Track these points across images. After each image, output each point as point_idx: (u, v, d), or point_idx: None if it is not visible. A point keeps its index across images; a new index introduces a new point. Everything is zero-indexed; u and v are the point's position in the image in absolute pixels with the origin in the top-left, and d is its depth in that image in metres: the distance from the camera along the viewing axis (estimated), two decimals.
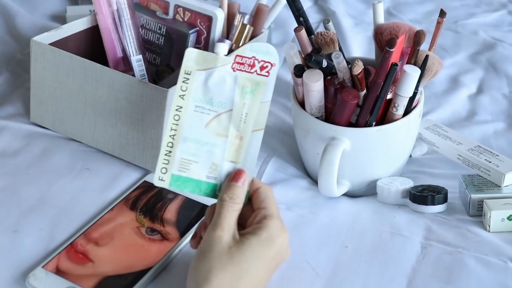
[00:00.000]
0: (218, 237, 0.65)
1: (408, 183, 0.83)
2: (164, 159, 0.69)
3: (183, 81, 0.69)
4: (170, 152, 0.69)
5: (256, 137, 0.69)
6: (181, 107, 0.69)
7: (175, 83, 0.82)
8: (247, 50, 0.69)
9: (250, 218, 0.68)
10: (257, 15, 0.96)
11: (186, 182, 0.69)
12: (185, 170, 0.69)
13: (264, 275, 0.66)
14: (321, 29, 1.10)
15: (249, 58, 0.69)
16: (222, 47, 0.70)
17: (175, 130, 0.68)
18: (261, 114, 0.69)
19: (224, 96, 0.69)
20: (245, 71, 0.69)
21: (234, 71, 0.69)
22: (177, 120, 0.68)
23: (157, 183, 0.69)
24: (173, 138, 0.68)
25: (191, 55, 0.70)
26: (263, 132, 0.69)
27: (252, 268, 0.64)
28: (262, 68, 0.69)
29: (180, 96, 0.69)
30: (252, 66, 0.69)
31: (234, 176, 0.69)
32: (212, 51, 0.93)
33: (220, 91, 0.69)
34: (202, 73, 0.69)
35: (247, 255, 0.64)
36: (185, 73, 0.70)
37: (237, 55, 0.69)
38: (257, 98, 0.69)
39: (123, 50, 0.93)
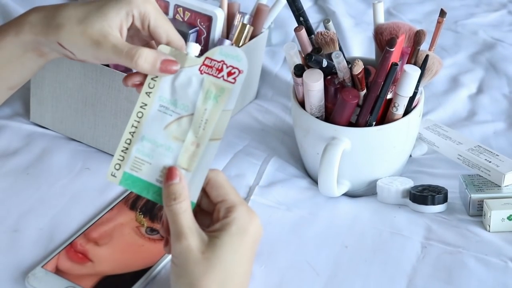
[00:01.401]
0: (186, 248, 0.61)
1: (408, 183, 0.83)
2: (120, 155, 0.66)
3: (152, 78, 0.66)
4: (127, 149, 0.66)
5: (212, 147, 0.65)
6: (145, 105, 0.66)
7: None
8: (216, 53, 0.66)
9: (214, 213, 0.65)
10: (257, 15, 0.96)
11: (136, 182, 0.66)
12: (137, 169, 0.66)
13: (246, 266, 0.64)
14: (321, 29, 1.10)
15: (218, 61, 0.66)
16: (194, 47, 0.67)
17: (136, 127, 0.66)
18: (221, 123, 0.65)
19: (188, 98, 0.66)
20: (212, 75, 0.66)
21: (201, 73, 0.66)
22: (139, 118, 0.66)
23: (109, 178, 0.66)
24: (132, 135, 0.66)
25: (164, 51, 0.68)
26: (220, 142, 0.65)
27: (233, 266, 0.62)
28: (229, 74, 0.66)
29: (146, 93, 0.66)
30: (220, 70, 0.66)
31: (166, 176, 0.64)
32: None
33: (185, 93, 0.66)
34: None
35: (224, 254, 0.62)
36: None
37: (206, 57, 0.66)
38: (220, 105, 0.65)
39: None
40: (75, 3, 0.71)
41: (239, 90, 0.65)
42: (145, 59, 0.66)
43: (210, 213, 0.66)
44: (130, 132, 0.66)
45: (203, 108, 0.65)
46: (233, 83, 0.65)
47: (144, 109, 0.66)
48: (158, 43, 0.70)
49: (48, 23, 0.70)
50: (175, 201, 0.63)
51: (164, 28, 0.69)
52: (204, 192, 0.66)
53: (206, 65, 0.66)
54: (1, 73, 0.74)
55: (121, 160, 0.66)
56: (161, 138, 0.66)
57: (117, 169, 0.66)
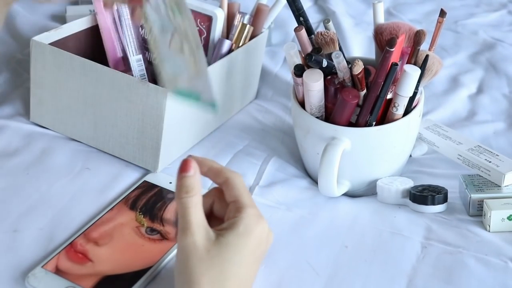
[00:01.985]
0: (192, 244, 0.61)
1: (408, 183, 0.83)
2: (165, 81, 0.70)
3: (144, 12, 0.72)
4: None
5: (201, 53, 0.71)
6: (150, 29, 0.72)
7: None
8: None
9: (226, 214, 0.66)
10: (257, 15, 0.96)
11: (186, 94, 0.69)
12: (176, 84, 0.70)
13: (249, 269, 0.64)
14: (321, 29, 1.10)
15: None
16: None
17: (154, 54, 0.72)
18: (195, 32, 0.72)
19: (165, 19, 0.71)
20: None
21: None
22: (153, 45, 0.72)
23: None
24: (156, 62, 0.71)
25: None
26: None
27: (234, 266, 0.62)
28: None
29: (147, 23, 0.73)
30: None
31: (182, 167, 0.64)
32: (212, 51, 0.93)
33: (161, 15, 0.71)
34: (146, 2, 0.72)
35: (228, 254, 0.62)
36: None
37: None
38: (185, 16, 0.71)
39: (123, 50, 0.93)
40: None
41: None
42: None
43: (222, 218, 0.67)
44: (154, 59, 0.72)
45: (178, 22, 0.71)
46: None
47: (152, 34, 0.72)
48: None
49: None
50: (187, 194, 0.63)
51: None
52: (218, 195, 0.67)
53: None
54: None
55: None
56: (171, 56, 0.70)
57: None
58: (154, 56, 0.73)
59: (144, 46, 0.94)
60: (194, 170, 0.64)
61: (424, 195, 0.80)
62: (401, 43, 0.80)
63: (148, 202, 0.80)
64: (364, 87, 0.80)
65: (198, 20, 0.92)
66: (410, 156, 0.91)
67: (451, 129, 0.91)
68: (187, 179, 0.64)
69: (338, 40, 0.82)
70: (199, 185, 0.64)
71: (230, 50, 0.92)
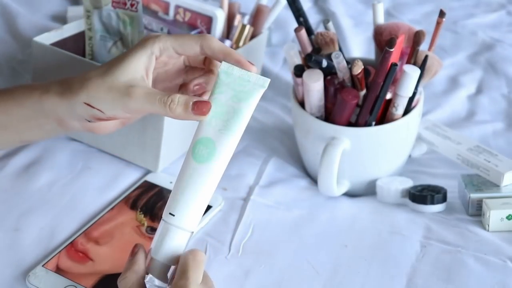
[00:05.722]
0: None
1: (408, 183, 0.83)
2: None
3: (87, 17, 0.86)
4: None
5: None
6: (91, 37, 0.87)
7: None
8: None
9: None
10: (257, 15, 0.96)
11: None
12: None
13: None
14: (321, 29, 1.11)
15: None
16: None
17: (90, 55, 0.87)
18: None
19: (114, 28, 0.85)
20: (121, 8, 0.84)
21: (114, 8, 0.85)
22: (90, 47, 0.87)
23: None
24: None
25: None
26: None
27: None
28: (131, 5, 0.84)
29: (88, 29, 0.87)
30: (125, 4, 0.84)
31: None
32: None
33: (110, 24, 0.85)
34: (95, 11, 0.85)
35: None
36: (87, 11, 0.86)
37: None
38: (135, 28, 0.85)
39: None
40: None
41: (142, 15, 0.85)
42: (178, 103, 0.65)
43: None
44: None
45: (126, 32, 0.85)
46: (136, 11, 0.84)
47: (91, 41, 0.87)
48: (194, 59, 0.71)
49: (72, 83, 0.69)
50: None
51: (191, 43, 0.69)
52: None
53: (115, 1, 0.84)
54: (19, 126, 0.73)
55: None
56: (109, 59, 0.76)
57: None
58: (89, 58, 0.87)
59: None
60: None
61: (423, 195, 0.81)
62: (400, 44, 0.80)
63: (149, 201, 0.80)
64: (363, 87, 0.80)
65: (199, 20, 0.93)
66: (410, 156, 0.91)
67: (450, 129, 0.91)
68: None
69: (338, 41, 0.82)
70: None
71: None
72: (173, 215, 0.63)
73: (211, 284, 0.63)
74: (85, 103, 0.68)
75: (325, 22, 0.86)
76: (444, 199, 0.81)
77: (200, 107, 0.65)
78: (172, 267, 0.63)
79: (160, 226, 0.64)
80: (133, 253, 0.64)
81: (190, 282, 0.60)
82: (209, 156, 0.64)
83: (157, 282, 0.63)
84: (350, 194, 0.85)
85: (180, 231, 0.63)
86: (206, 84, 0.71)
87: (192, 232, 0.64)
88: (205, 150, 0.64)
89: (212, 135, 0.64)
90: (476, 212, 0.80)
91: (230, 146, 0.64)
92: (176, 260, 0.63)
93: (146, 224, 0.77)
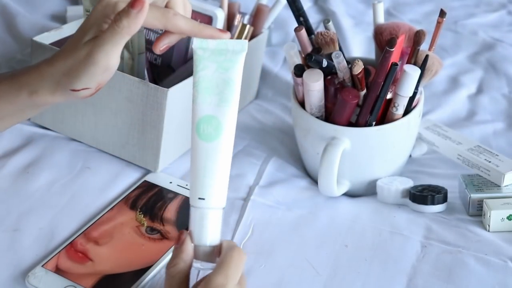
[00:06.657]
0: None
1: (408, 183, 0.83)
2: None
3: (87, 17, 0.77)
4: None
5: (141, 58, 0.84)
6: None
7: (176, 83, 0.83)
8: None
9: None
10: (257, 15, 0.96)
11: None
12: None
13: None
14: (321, 29, 1.11)
15: None
16: None
17: None
18: (140, 40, 0.83)
19: None
20: None
21: None
22: None
23: None
24: None
25: None
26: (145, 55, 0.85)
27: None
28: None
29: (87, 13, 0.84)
30: None
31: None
32: None
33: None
34: None
35: None
36: (86, 10, 0.84)
37: None
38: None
39: None
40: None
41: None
42: (120, 17, 0.66)
43: None
44: None
45: None
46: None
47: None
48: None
49: (46, 77, 0.70)
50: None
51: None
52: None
53: None
54: (5, 118, 0.73)
55: None
56: None
57: None
58: None
59: (145, 46, 0.94)
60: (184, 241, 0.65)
61: (424, 195, 0.80)
62: (401, 43, 0.80)
63: (148, 201, 0.80)
64: (364, 87, 0.80)
65: (198, 20, 0.93)
66: (410, 156, 0.91)
67: (451, 129, 0.91)
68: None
69: (338, 40, 0.82)
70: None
71: None
72: (203, 199, 0.65)
73: (245, 284, 0.64)
74: (71, 89, 0.68)
75: (325, 21, 0.86)
76: (444, 199, 0.81)
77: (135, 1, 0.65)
78: (216, 245, 0.66)
79: (192, 213, 0.65)
80: (180, 241, 0.65)
81: (228, 282, 0.61)
82: (217, 133, 0.65)
83: (210, 265, 0.65)
84: (350, 194, 0.85)
85: (213, 211, 0.65)
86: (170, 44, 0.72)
87: (224, 207, 0.66)
88: (210, 127, 0.65)
89: (212, 112, 0.65)
90: (477, 212, 0.80)
91: (233, 117, 0.65)
92: (217, 237, 0.66)
93: (145, 224, 0.77)
